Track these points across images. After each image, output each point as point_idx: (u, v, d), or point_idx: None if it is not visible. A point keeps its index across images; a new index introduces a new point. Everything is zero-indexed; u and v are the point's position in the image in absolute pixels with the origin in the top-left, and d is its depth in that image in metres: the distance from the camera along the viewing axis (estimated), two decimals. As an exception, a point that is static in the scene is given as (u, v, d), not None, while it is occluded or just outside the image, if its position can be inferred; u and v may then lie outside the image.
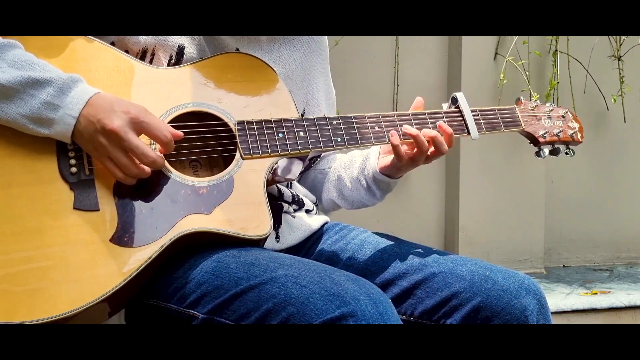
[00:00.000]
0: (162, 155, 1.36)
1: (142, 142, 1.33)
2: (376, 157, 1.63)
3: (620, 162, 3.68)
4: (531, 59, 3.30)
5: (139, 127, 1.33)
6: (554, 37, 3.29)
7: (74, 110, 1.32)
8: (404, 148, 1.52)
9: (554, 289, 3.08)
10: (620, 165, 3.68)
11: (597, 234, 3.66)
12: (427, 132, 1.52)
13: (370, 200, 1.70)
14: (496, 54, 3.33)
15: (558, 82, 3.28)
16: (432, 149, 1.52)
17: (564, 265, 3.63)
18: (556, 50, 3.31)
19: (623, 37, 3.44)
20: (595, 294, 2.98)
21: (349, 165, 1.71)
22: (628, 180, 3.70)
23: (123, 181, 1.35)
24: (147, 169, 1.35)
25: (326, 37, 1.76)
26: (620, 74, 3.41)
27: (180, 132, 1.37)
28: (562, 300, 2.84)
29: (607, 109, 3.51)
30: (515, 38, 3.24)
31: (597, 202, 3.66)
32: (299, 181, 1.78)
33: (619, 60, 3.43)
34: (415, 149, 1.51)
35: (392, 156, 1.56)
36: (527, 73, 3.25)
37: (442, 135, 1.53)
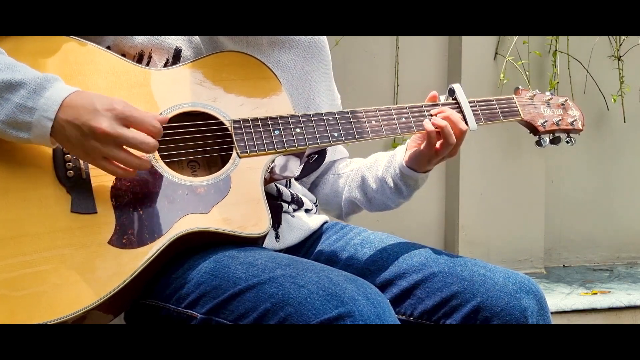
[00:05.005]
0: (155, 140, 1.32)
1: (136, 132, 1.29)
2: (403, 153, 1.63)
3: (620, 162, 3.68)
4: (531, 59, 3.30)
5: (126, 122, 1.29)
6: (554, 37, 3.29)
7: (49, 112, 1.27)
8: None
9: (554, 289, 3.08)
10: (620, 165, 3.68)
11: (597, 234, 3.66)
12: (435, 121, 1.53)
13: (394, 201, 1.69)
14: (496, 54, 3.33)
15: (558, 82, 3.28)
16: (441, 140, 1.53)
17: (564, 265, 3.63)
18: (556, 50, 3.31)
19: (623, 37, 3.44)
20: (595, 294, 2.98)
21: (374, 165, 1.70)
22: (628, 180, 3.70)
23: (125, 176, 1.33)
24: (149, 158, 1.32)
25: (327, 42, 1.75)
26: (620, 74, 3.41)
27: (166, 117, 1.35)
28: (562, 300, 2.84)
29: (607, 109, 3.51)
30: (515, 38, 3.25)
31: (597, 202, 3.66)
32: (316, 186, 1.78)
33: (619, 60, 3.43)
34: (442, 140, 1.53)
35: (417, 149, 1.57)
36: (527, 73, 3.25)
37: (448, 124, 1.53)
